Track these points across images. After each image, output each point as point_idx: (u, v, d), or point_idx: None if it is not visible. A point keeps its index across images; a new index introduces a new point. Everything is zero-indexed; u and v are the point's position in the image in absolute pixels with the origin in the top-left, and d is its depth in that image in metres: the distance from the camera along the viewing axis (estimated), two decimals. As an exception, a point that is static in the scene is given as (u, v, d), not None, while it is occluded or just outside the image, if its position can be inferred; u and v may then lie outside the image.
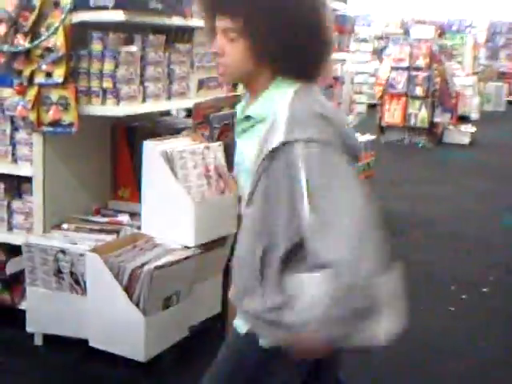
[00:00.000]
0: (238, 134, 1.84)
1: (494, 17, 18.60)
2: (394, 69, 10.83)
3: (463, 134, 10.81)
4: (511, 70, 18.33)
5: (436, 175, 7.95)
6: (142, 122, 3.66)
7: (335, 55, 5.98)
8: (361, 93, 12.87)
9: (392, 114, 10.76)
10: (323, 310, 1.55)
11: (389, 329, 1.59)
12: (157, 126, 3.70)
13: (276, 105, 1.65)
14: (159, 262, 2.90)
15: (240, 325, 1.80)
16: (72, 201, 3.45)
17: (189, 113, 4.69)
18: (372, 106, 12.34)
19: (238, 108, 1.85)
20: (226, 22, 1.67)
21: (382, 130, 10.76)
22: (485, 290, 4.41)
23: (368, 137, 6.31)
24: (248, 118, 1.75)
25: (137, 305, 2.86)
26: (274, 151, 1.60)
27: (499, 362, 3.45)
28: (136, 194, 3.55)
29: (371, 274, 1.53)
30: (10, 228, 3.40)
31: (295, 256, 1.65)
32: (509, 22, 18.76)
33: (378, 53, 14.60)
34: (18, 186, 3.44)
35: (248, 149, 1.74)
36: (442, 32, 12.17)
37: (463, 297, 4.28)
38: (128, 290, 2.88)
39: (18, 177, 3.39)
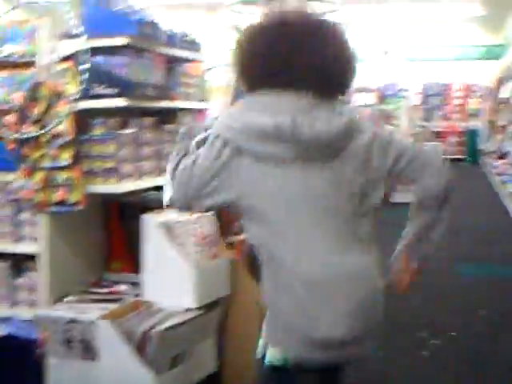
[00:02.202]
0: None
1: (427, 79, 19.51)
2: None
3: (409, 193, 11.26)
4: (445, 130, 19.19)
5: (389, 232, 8.30)
6: (131, 197, 3.94)
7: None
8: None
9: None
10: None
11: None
12: (145, 201, 3.97)
13: None
14: (167, 324, 3.15)
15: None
16: (72, 275, 3.67)
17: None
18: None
19: None
20: None
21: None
22: (453, 333, 4.73)
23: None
24: None
25: (148, 365, 3.10)
26: None
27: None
28: (130, 265, 3.80)
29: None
30: (15, 303, 3.60)
31: None
32: (441, 84, 19.70)
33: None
34: (18, 262, 3.66)
35: None
36: (382, 97, 12.80)
37: (434, 342, 4.59)
38: (139, 351, 3.11)
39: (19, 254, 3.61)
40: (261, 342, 2.31)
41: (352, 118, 2.13)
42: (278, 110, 2.05)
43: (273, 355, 2.18)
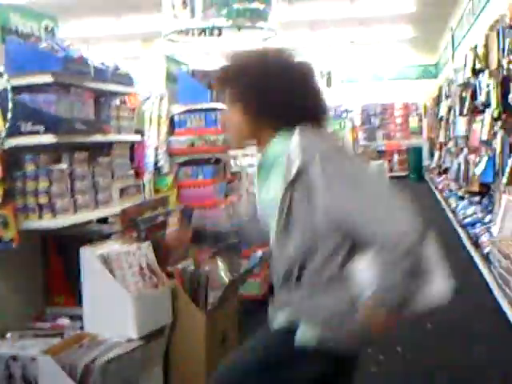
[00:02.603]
0: (260, 180, 2.33)
1: (367, 100, 19.88)
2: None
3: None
4: (389, 148, 19.55)
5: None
6: (69, 230, 3.95)
7: (232, 153, 6.47)
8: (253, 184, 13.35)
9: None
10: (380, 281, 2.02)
11: (442, 288, 2.07)
12: (84, 234, 3.99)
13: (287, 146, 2.14)
14: (109, 356, 3.16)
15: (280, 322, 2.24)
16: (13, 310, 3.66)
17: (100, 220, 5.01)
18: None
19: (257, 162, 2.38)
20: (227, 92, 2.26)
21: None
22: (398, 348, 4.81)
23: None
24: (265, 160, 2.26)
25: (92, 398, 3.10)
26: (294, 180, 2.09)
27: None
28: (71, 298, 3.81)
29: (413, 237, 2.00)
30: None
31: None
32: (380, 104, 20.09)
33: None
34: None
35: (273, 190, 2.21)
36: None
37: (381, 357, 4.67)
38: (82, 384, 3.12)
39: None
40: (284, 317, 2.28)
41: None
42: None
43: (309, 337, 2.20)
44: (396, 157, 19.53)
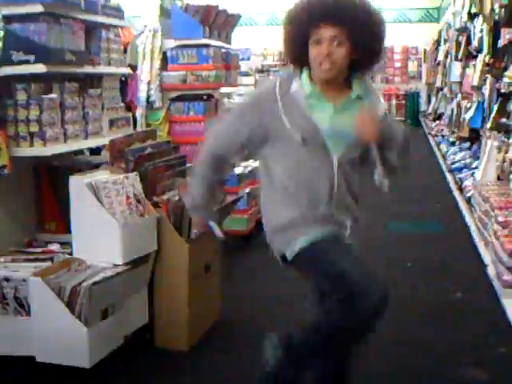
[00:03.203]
0: (337, 112, 2.60)
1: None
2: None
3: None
4: (387, 92, 19.51)
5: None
6: (61, 160, 4.08)
7: (223, 90, 6.55)
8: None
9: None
10: None
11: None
12: (75, 164, 4.12)
13: (370, 87, 2.68)
14: (95, 279, 3.33)
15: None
16: (5, 236, 3.82)
17: (92, 151, 5.15)
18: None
19: (309, 91, 2.59)
20: (334, 31, 2.47)
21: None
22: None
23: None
24: (355, 96, 2.60)
25: (78, 318, 3.27)
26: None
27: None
28: (62, 226, 3.97)
29: None
30: None
31: None
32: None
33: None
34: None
35: (352, 116, 2.56)
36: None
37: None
38: (69, 305, 3.28)
39: None
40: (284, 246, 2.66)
41: None
42: None
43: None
44: (394, 101, 19.51)
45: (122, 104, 4.29)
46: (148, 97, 5.74)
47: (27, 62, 3.38)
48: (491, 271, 4.76)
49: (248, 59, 16.59)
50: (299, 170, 2.61)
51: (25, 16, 3.41)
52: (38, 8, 3.38)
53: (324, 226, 2.62)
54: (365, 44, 2.50)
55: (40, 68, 3.39)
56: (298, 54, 2.57)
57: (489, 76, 6.67)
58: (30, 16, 3.41)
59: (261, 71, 16.34)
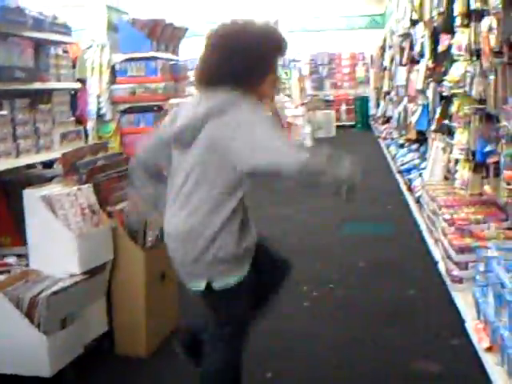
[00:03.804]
0: None
1: (316, 49, 20.01)
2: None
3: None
4: (336, 98, 19.79)
5: (280, 199, 8.63)
6: (13, 175, 4.13)
7: (174, 101, 6.64)
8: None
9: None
10: None
11: None
12: (27, 178, 4.17)
13: None
14: (53, 289, 3.39)
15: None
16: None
17: (45, 164, 5.19)
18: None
19: None
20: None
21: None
22: (331, 285, 5.12)
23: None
24: None
25: (38, 328, 3.33)
26: None
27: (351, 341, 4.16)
28: (17, 239, 4.03)
29: None
30: None
31: None
32: (328, 54, 20.25)
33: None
34: None
35: None
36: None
37: (314, 294, 4.97)
38: (28, 316, 3.33)
39: None
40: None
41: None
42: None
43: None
44: (344, 106, 19.76)
45: (73, 118, 4.37)
46: (98, 109, 5.80)
47: (-24, 80, 3.45)
48: (441, 267, 4.93)
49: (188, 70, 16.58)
50: None
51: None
52: (-14, 27, 3.46)
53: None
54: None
55: (-11, 86, 3.47)
56: None
57: (431, 80, 6.88)
58: (-21, 35, 3.49)
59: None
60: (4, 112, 3.65)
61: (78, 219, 3.64)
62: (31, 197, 3.55)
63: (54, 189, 3.68)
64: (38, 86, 3.92)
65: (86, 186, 3.79)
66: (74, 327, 3.56)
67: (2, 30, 3.58)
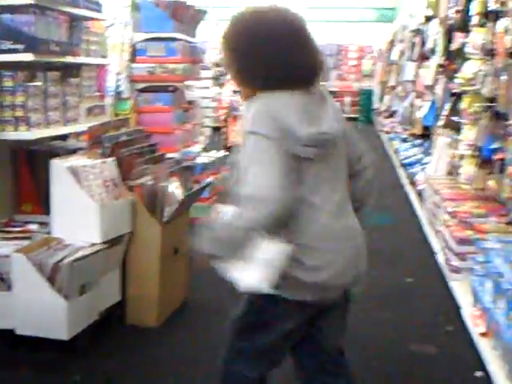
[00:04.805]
0: None
1: (323, 40, 20.09)
2: (235, 92, 11.63)
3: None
4: (341, 90, 19.88)
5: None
6: (37, 145, 4.27)
7: (187, 83, 6.77)
8: (205, 116, 13.47)
9: (236, 134, 11.55)
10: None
11: (248, 279, 2.19)
12: (52, 149, 4.32)
13: (249, 107, 2.26)
14: (75, 256, 3.54)
15: None
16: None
17: (65, 137, 5.33)
18: (216, 129, 13.07)
19: None
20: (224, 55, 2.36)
21: (228, 149, 11.54)
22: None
23: (221, 153, 7.11)
24: None
25: (59, 293, 3.49)
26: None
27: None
28: (39, 207, 4.18)
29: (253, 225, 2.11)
30: None
31: None
32: (336, 45, 20.34)
33: (217, 79, 15.42)
34: None
35: None
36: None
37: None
38: (50, 281, 3.49)
39: None
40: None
41: None
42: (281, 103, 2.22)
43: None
44: (348, 99, 19.85)
45: (98, 93, 4.50)
46: (116, 87, 5.93)
47: (16, 50, 3.59)
48: (440, 258, 5.10)
49: (204, 53, 16.60)
50: None
51: (15, 7, 3.62)
52: (28, 0, 3.59)
53: None
54: (234, 64, 2.35)
55: (28, 57, 3.61)
56: None
57: (442, 76, 7.01)
58: (20, 7, 3.62)
59: (220, 65, 16.41)
60: (38, 83, 3.79)
61: (100, 191, 3.79)
62: (58, 167, 3.70)
63: (79, 160, 3.83)
64: (69, 59, 4.06)
65: (110, 159, 3.93)
66: (92, 294, 3.71)
67: (42, 3, 3.71)
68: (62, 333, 3.54)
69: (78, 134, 4.68)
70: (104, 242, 3.74)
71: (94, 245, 3.71)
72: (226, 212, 2.23)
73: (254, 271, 2.20)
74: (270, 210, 2.09)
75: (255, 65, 2.28)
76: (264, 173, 2.12)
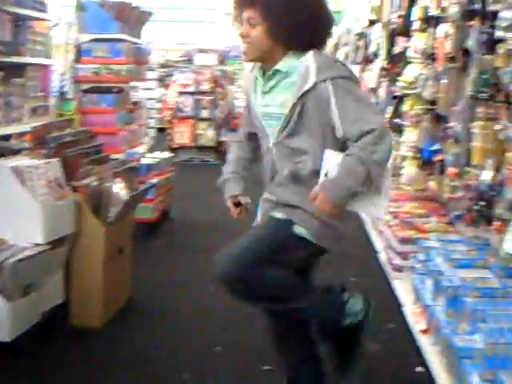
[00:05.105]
0: (265, 92, 2.61)
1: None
2: (181, 94, 11.67)
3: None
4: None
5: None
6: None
7: (132, 84, 6.75)
8: (150, 118, 13.40)
9: (181, 135, 11.55)
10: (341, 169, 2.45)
11: (378, 210, 2.56)
12: (-3, 148, 4.28)
13: (300, 62, 2.50)
14: (19, 257, 3.51)
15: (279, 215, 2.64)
16: None
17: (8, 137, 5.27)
18: (160, 130, 13.01)
19: (257, 76, 2.65)
20: (249, 12, 2.47)
21: (172, 150, 11.50)
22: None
23: (166, 154, 7.12)
24: (275, 72, 2.54)
25: (1, 293, 3.45)
26: (309, 91, 2.44)
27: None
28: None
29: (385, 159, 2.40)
30: None
31: None
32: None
33: (162, 80, 15.36)
34: None
35: (281, 97, 2.54)
36: (222, 59, 13.25)
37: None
38: (-8, 282, 3.46)
39: None
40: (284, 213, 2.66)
41: None
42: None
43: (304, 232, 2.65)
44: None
45: (42, 93, 4.47)
46: (61, 87, 5.89)
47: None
48: (383, 257, 5.20)
49: (149, 54, 16.42)
50: (262, 151, 2.75)
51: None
52: (-31, 0, 3.56)
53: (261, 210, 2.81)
54: (279, 20, 2.49)
55: (-31, 57, 3.57)
56: None
57: (385, 79, 7.13)
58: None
59: (165, 66, 16.36)
60: (-20, 84, 3.76)
61: (44, 191, 3.76)
62: (1, 167, 3.66)
63: (22, 161, 3.80)
64: (14, 59, 4.02)
65: (54, 160, 3.91)
66: (35, 295, 3.68)
67: (-17, 3, 3.68)
68: (4, 334, 3.50)
69: (21, 134, 4.63)
70: (48, 243, 3.72)
71: (38, 245, 3.68)
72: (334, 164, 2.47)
73: (383, 201, 2.54)
74: (391, 140, 2.42)
75: (308, 24, 2.51)
76: (373, 109, 2.52)
